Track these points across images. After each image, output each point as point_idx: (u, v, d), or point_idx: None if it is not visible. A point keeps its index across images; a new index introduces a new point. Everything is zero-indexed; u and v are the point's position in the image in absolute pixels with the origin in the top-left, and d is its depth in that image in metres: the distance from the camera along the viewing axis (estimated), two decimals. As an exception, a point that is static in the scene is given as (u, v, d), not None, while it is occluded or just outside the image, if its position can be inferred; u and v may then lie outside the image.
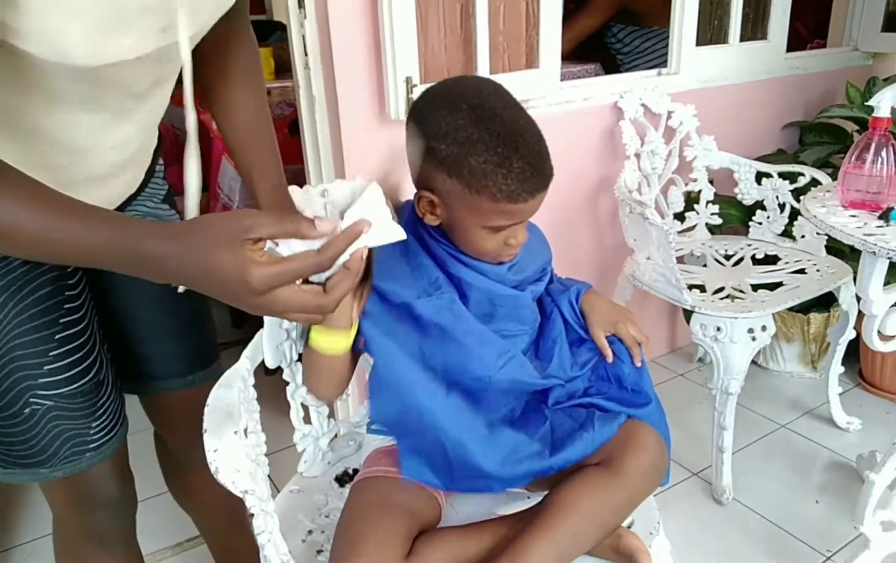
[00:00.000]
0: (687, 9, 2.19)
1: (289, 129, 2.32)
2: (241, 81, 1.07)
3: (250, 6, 1.08)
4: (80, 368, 0.97)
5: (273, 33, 3.05)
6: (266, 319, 1.12)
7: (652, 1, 2.87)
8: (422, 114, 0.99)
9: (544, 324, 1.17)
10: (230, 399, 1.00)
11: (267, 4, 3.96)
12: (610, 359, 1.12)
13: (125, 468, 1.11)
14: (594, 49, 2.93)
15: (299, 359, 1.16)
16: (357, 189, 0.84)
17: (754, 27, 2.61)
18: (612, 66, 2.89)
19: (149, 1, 0.74)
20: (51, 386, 0.94)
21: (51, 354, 0.93)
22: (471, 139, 0.92)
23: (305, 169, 1.81)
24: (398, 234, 0.83)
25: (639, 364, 1.12)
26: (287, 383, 1.16)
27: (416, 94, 1.53)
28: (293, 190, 0.89)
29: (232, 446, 0.93)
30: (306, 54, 1.67)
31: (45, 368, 0.93)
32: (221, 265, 0.70)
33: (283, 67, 2.60)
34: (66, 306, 0.95)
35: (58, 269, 0.94)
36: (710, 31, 2.61)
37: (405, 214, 1.08)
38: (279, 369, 1.14)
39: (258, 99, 1.10)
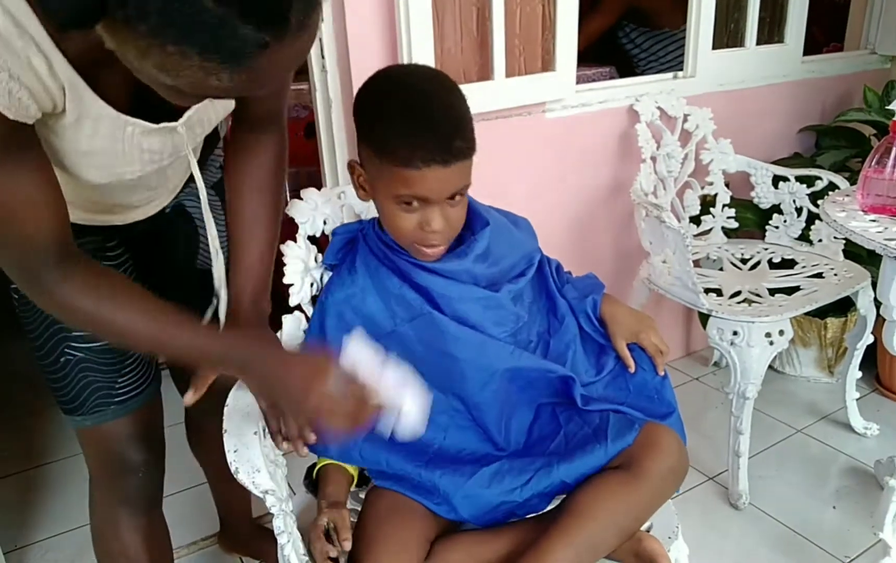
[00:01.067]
0: (703, 12, 2.18)
1: (304, 131, 2.32)
2: (257, 195, 1.08)
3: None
4: None
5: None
6: (284, 319, 1.13)
7: (661, 2, 2.86)
8: (357, 94, 1.05)
9: (556, 327, 1.17)
10: (249, 400, 1.01)
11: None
12: (632, 370, 1.12)
13: (152, 435, 1.18)
14: (608, 51, 2.92)
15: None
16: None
17: (770, 30, 2.60)
18: (626, 68, 2.89)
19: (152, 144, 0.89)
20: (82, 339, 1.06)
21: None
22: (381, 105, 0.99)
23: (321, 172, 1.82)
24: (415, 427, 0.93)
25: (662, 374, 1.12)
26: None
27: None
28: (353, 339, 0.95)
29: (252, 446, 0.93)
30: (323, 57, 1.68)
31: None
32: (298, 374, 0.93)
33: (299, 70, 2.61)
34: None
35: (99, 240, 1.08)
36: (727, 34, 2.60)
37: (360, 238, 1.12)
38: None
39: (272, 211, 1.09)
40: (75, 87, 0.77)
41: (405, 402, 0.91)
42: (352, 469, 1.08)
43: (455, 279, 1.06)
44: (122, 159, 0.88)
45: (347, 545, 0.93)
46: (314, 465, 1.12)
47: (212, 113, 0.96)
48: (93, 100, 0.79)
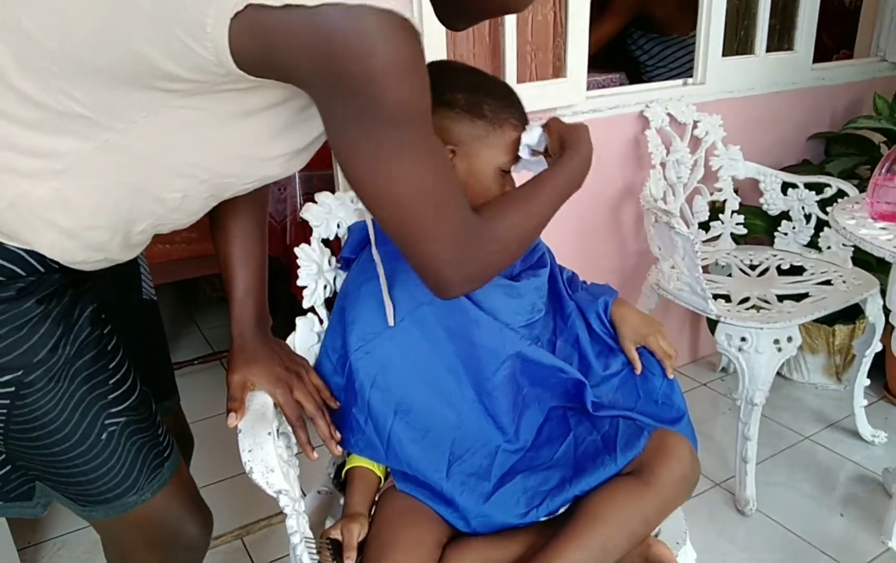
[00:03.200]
0: (713, 19, 2.19)
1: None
2: (245, 209, 1.06)
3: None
4: (132, 375, 0.95)
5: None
6: (298, 321, 1.15)
7: (669, 9, 2.87)
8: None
9: (562, 328, 1.18)
10: (264, 401, 1.02)
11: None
12: (639, 370, 1.13)
13: (204, 505, 1.06)
14: (618, 58, 2.93)
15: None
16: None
17: (780, 38, 2.60)
18: (635, 75, 2.90)
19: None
20: (119, 400, 0.91)
21: (110, 367, 0.91)
22: (482, 86, 1.08)
23: (335, 175, 1.83)
24: None
25: (671, 376, 1.12)
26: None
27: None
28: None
29: (265, 446, 0.94)
30: (336, 62, 1.69)
31: (111, 383, 0.90)
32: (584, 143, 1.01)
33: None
34: (102, 315, 0.93)
35: (93, 300, 0.92)
36: (737, 41, 2.60)
37: (377, 230, 1.13)
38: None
39: (262, 222, 1.09)
40: None
41: None
42: (379, 471, 1.09)
43: None
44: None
45: None
46: (343, 464, 1.14)
47: None
48: None
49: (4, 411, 0.83)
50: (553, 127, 1.04)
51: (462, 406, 1.08)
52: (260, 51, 0.63)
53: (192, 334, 3.02)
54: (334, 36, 0.60)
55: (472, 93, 1.06)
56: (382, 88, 0.64)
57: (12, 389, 0.82)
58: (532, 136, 1.06)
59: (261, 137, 0.76)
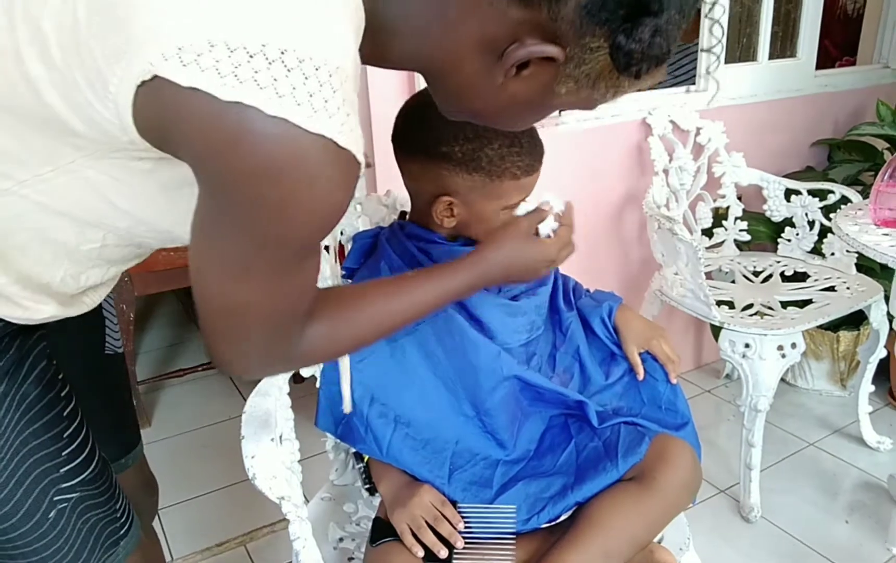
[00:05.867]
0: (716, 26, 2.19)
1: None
2: None
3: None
4: (91, 444, 0.85)
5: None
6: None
7: None
8: (414, 129, 1.03)
9: (561, 340, 1.18)
10: (267, 407, 1.02)
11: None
12: (641, 376, 1.13)
13: None
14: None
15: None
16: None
17: (783, 45, 2.61)
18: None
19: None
20: (73, 473, 0.81)
21: (65, 435, 0.81)
22: (479, 133, 0.98)
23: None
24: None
25: (674, 381, 1.12)
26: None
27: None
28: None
29: (268, 452, 0.94)
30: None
31: (64, 454, 0.80)
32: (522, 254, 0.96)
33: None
34: (60, 378, 0.84)
35: (46, 356, 0.82)
36: (739, 48, 2.61)
37: (382, 242, 1.13)
38: (311, 377, 1.16)
39: None
40: None
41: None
42: None
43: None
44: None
45: (460, 543, 0.96)
46: (366, 465, 1.14)
47: None
48: None
49: None
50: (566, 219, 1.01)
51: (460, 423, 1.08)
52: (159, 125, 0.56)
53: (194, 341, 3.03)
54: (243, 143, 0.52)
55: (469, 142, 0.99)
56: (287, 219, 0.57)
57: None
58: (546, 226, 1.00)
59: (179, 214, 0.66)
